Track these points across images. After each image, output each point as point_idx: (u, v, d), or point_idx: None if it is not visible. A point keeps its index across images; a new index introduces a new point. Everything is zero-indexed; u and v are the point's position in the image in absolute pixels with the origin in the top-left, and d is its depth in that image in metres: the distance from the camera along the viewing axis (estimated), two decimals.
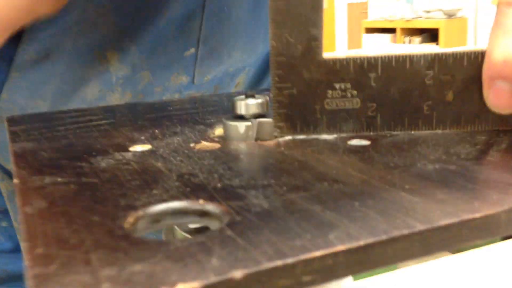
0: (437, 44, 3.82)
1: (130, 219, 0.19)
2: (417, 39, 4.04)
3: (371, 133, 0.29)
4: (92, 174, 0.24)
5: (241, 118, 0.31)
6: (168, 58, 0.49)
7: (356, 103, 0.29)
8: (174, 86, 0.50)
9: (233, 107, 0.31)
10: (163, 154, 0.27)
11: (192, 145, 0.29)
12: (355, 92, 0.29)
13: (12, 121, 0.37)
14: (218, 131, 0.33)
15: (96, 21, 0.45)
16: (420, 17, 3.98)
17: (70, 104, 0.46)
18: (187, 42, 0.49)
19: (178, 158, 0.26)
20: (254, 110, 0.31)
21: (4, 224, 0.58)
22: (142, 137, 0.31)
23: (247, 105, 0.31)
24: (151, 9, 0.46)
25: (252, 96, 0.31)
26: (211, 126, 0.34)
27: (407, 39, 4.07)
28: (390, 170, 0.23)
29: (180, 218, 0.20)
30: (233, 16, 0.50)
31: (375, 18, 4.30)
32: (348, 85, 0.29)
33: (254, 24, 0.52)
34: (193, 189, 0.22)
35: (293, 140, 0.29)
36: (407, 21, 4.02)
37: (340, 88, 0.29)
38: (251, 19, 0.51)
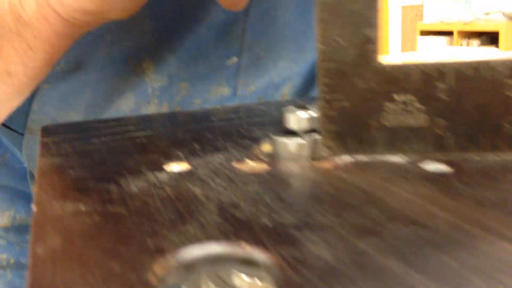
0: (496, 47, 3.64)
1: (158, 268, 0.15)
2: (475, 42, 3.87)
3: (440, 155, 0.25)
4: (119, 201, 0.21)
5: (293, 133, 0.27)
6: (208, 67, 0.45)
7: (421, 119, 0.24)
8: (214, 98, 0.47)
9: (283, 120, 0.27)
10: (202, 176, 0.24)
11: (235, 164, 0.25)
12: (420, 106, 0.24)
13: (45, 131, 0.35)
14: (266, 147, 0.29)
15: (132, 29, 0.41)
16: (479, 19, 3.81)
17: (105, 115, 0.44)
18: (229, 50, 0.45)
19: (218, 181, 0.23)
20: (307, 124, 0.27)
21: None
22: (180, 153, 0.28)
23: (299, 119, 0.27)
24: (190, 15, 0.42)
25: (304, 108, 0.27)
26: (258, 141, 0.30)
27: (464, 42, 3.90)
28: (483, 209, 0.18)
29: (218, 266, 0.16)
30: (280, 21, 0.45)
31: (431, 20, 4.15)
32: (412, 98, 0.24)
33: (303, 28, 0.47)
34: (235, 227, 0.18)
35: (354, 162, 0.25)
36: (465, 23, 3.85)
37: (402, 101, 0.24)
38: (299, 23, 0.46)
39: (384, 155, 0.25)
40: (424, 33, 4.07)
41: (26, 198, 0.55)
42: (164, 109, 0.44)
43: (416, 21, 4.24)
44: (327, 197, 0.20)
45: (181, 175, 0.24)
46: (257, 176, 0.23)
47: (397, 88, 0.24)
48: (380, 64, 0.24)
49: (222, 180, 0.23)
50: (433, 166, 0.23)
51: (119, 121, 0.38)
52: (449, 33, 3.91)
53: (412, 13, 4.39)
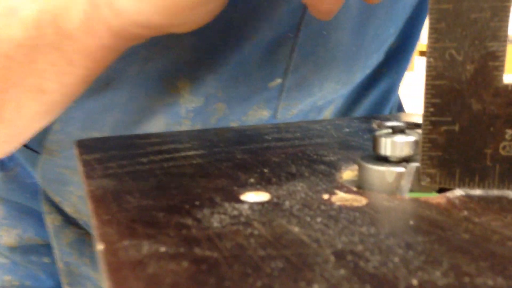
0: None
1: None
2: None
3: None
4: (206, 241, 0.17)
5: (384, 160, 0.23)
6: (249, 89, 0.40)
7: None
8: (252, 121, 0.42)
9: (374, 144, 0.23)
10: (292, 210, 0.20)
11: (325, 196, 0.21)
12: None
13: (82, 146, 0.30)
14: (347, 174, 0.25)
15: (169, 45, 0.37)
16: None
17: None
18: (274, 71, 0.40)
19: (318, 219, 0.19)
20: (406, 151, 0.23)
21: (46, 260, 0.51)
22: (252, 180, 0.24)
23: (395, 143, 0.23)
24: (236, 32, 0.38)
25: (402, 132, 0.23)
26: (334, 166, 0.26)
27: None
28: None
29: None
30: (332, 40, 0.41)
31: None
32: None
33: (356, 48, 0.43)
34: (374, 286, 0.14)
35: (469, 197, 0.21)
36: None
37: None
38: (352, 43, 0.42)
39: (499, 189, 0.21)
40: (422, 53, 4.07)
41: (36, 216, 0.51)
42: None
43: None
44: (467, 245, 0.16)
45: (264, 207, 0.20)
46: (360, 211, 0.19)
47: None
48: (503, 84, 0.20)
49: (319, 216, 0.19)
50: None
51: (163, 137, 0.34)
52: None
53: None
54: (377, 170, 0.23)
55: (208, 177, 0.24)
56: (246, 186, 0.23)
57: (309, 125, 0.38)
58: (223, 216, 0.19)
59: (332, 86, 0.44)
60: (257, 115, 0.42)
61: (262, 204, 0.20)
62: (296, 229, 0.18)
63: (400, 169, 0.22)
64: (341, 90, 0.46)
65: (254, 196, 0.21)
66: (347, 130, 0.37)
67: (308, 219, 0.19)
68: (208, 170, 0.25)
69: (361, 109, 0.50)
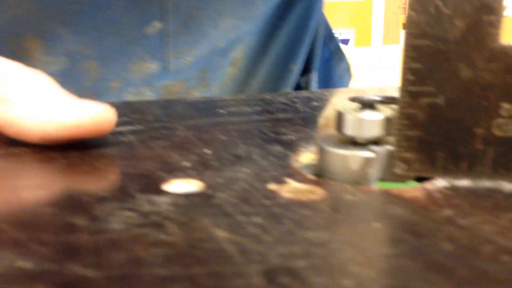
0: None
1: None
2: None
3: None
4: (90, 253, 0.12)
5: (349, 142, 0.19)
6: (120, 39, 0.34)
7: None
8: (139, 77, 0.36)
9: (337, 122, 0.19)
10: (224, 206, 0.15)
11: (273, 187, 0.17)
12: None
13: None
14: (307, 157, 0.21)
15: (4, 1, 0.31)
16: None
17: None
18: (147, 13, 0.34)
19: (255, 219, 0.14)
20: (375, 131, 0.18)
21: None
22: (186, 163, 0.19)
23: (362, 121, 0.18)
24: None
25: (372, 107, 0.19)
26: (292, 147, 0.22)
27: None
28: None
29: None
30: None
31: None
32: None
33: None
34: None
35: (453, 190, 0.16)
36: None
37: None
38: None
39: (491, 179, 0.17)
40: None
41: None
42: None
43: (399, 13, 4.17)
44: (450, 261, 0.12)
45: (190, 201, 0.15)
46: (311, 208, 0.15)
47: None
48: (500, 45, 0.16)
49: (257, 214, 0.14)
50: None
51: None
52: None
53: (395, 5, 4.32)
54: (339, 154, 0.18)
55: (132, 159, 0.20)
56: (177, 172, 0.18)
57: (274, 98, 0.34)
58: (129, 214, 0.14)
59: (230, 22, 0.38)
60: (143, 69, 0.36)
61: (188, 196, 0.16)
62: (221, 233, 0.13)
63: (367, 153, 0.18)
64: (244, 26, 0.39)
65: (182, 185, 0.17)
66: (316, 104, 0.32)
67: (242, 218, 0.14)
68: (135, 151, 0.21)
69: (279, 43, 0.43)
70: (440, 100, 0.17)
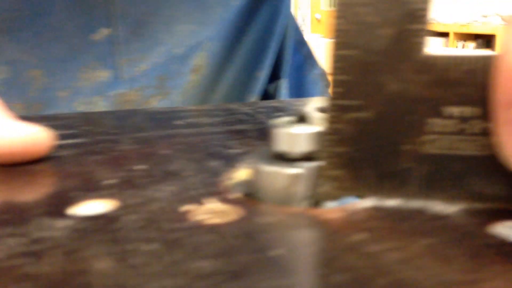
0: (492, 50, 3.56)
1: None
2: (471, 44, 3.80)
3: None
4: None
5: (282, 158, 0.18)
6: (65, 46, 0.33)
7: (484, 146, 0.15)
8: (89, 87, 0.35)
9: (270, 138, 0.18)
10: (125, 231, 0.14)
11: (188, 207, 0.16)
12: (484, 126, 0.15)
13: None
14: (243, 173, 0.20)
15: None
16: (476, 22, 3.73)
17: None
18: (93, 19, 0.32)
19: (149, 246, 0.13)
20: (306, 146, 0.17)
21: None
22: (111, 180, 0.18)
23: (292, 136, 0.17)
24: None
25: (304, 120, 0.18)
26: (234, 161, 0.21)
27: (460, 44, 3.83)
28: None
29: None
30: None
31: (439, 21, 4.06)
32: (473, 111, 0.15)
33: None
34: None
35: (377, 211, 0.15)
36: (462, 25, 3.77)
37: (455, 116, 0.15)
38: None
39: (423, 200, 0.16)
40: None
41: None
42: (18, 109, 0.31)
43: None
44: None
45: (91, 225, 0.14)
46: (215, 233, 0.14)
47: (451, 96, 0.15)
48: (426, 55, 0.15)
49: (154, 241, 0.13)
50: None
51: (51, 119, 0.28)
52: (444, 34, 3.83)
53: None
54: (266, 171, 0.17)
55: (55, 176, 0.19)
56: (95, 191, 0.17)
57: (239, 108, 0.33)
58: (13, 241, 0.13)
59: (185, 28, 0.36)
60: (93, 78, 0.35)
61: (92, 219, 0.15)
62: (104, 264, 0.12)
63: (295, 170, 0.17)
64: (202, 31, 0.37)
65: (92, 207, 0.16)
66: (280, 114, 0.31)
67: (135, 246, 0.13)
68: (64, 167, 0.20)
69: (244, 49, 0.41)
70: (367, 115, 0.16)
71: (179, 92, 0.38)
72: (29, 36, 0.32)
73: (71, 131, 0.26)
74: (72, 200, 0.16)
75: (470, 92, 0.15)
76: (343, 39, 0.15)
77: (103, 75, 0.34)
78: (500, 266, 0.12)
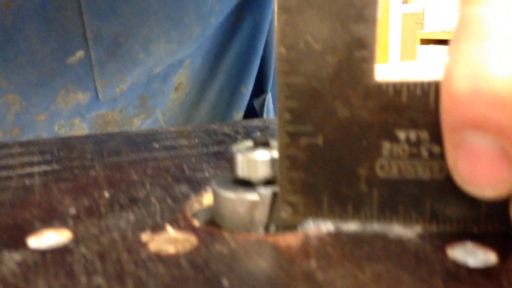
0: None
1: None
2: None
3: (473, 228, 0.15)
4: None
5: (246, 183, 0.18)
6: (41, 71, 0.32)
7: (439, 170, 0.15)
8: (68, 109, 0.34)
9: (230, 163, 0.18)
10: (77, 264, 0.14)
11: (145, 237, 0.16)
12: (437, 149, 0.15)
13: None
14: (209, 198, 0.20)
15: None
16: None
17: None
18: (67, 42, 0.32)
19: (96, 280, 0.13)
20: (266, 172, 0.17)
21: None
22: (73, 210, 0.18)
23: (255, 163, 0.17)
24: None
25: (266, 145, 0.18)
26: (202, 186, 0.21)
27: None
28: None
29: None
30: None
31: (431, 29, 4.05)
32: (425, 135, 0.15)
33: None
34: None
35: (335, 236, 0.15)
36: None
37: (409, 140, 0.15)
38: None
39: (379, 221, 0.15)
40: (424, 41, 4.01)
41: None
42: None
43: (416, 29, 4.13)
44: None
45: (43, 258, 0.14)
46: (170, 263, 0.14)
47: (402, 121, 0.15)
48: (375, 82, 0.15)
49: (105, 274, 0.13)
50: (471, 254, 0.14)
51: (28, 145, 0.28)
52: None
53: (413, 21, 4.29)
54: (226, 197, 0.17)
55: (17, 206, 0.19)
56: (55, 221, 0.17)
57: (220, 128, 0.33)
58: None
59: (163, 47, 0.36)
60: (72, 100, 0.34)
61: (46, 252, 0.15)
62: None
63: (254, 196, 0.17)
64: (181, 50, 0.37)
65: (49, 238, 0.16)
66: (259, 134, 0.31)
67: (82, 279, 0.13)
68: (28, 196, 0.20)
69: (227, 65, 0.41)
70: (319, 140, 0.15)
71: (162, 111, 0.38)
72: (3, 62, 0.32)
73: (45, 157, 0.26)
74: (30, 231, 0.16)
75: (421, 116, 0.14)
76: (288, 67, 0.15)
77: (82, 97, 0.34)
78: None
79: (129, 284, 0.13)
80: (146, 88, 0.37)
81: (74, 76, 0.34)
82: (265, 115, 0.43)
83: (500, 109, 0.12)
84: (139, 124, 0.38)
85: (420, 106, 0.14)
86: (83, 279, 0.13)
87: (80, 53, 0.33)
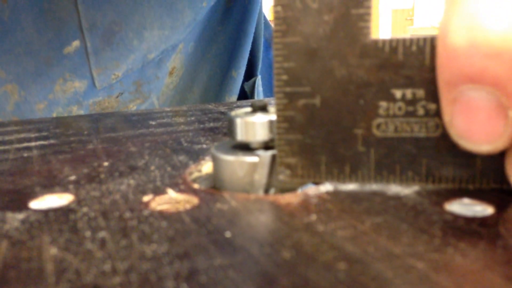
0: None
1: None
2: None
3: (468, 186, 0.15)
4: None
5: (246, 148, 0.18)
6: (38, 61, 0.33)
7: (434, 127, 0.15)
8: (66, 97, 0.35)
9: (229, 128, 0.18)
10: (80, 222, 0.14)
11: (147, 198, 0.16)
12: (433, 107, 0.15)
13: None
14: (208, 166, 0.20)
15: None
16: None
17: None
18: (63, 32, 0.33)
19: (99, 234, 0.13)
20: (265, 135, 0.17)
21: None
22: (73, 177, 0.18)
23: (254, 125, 0.17)
24: None
25: (264, 109, 0.18)
26: (200, 155, 0.21)
27: None
28: None
29: None
30: None
31: (421, 25, 4.07)
32: (421, 93, 0.15)
33: None
34: None
35: (333, 195, 0.15)
36: None
37: (405, 98, 0.15)
38: None
39: (376, 181, 0.16)
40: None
41: None
42: None
43: (406, 25, 4.15)
44: (278, 271, 0.11)
45: (46, 217, 0.14)
46: (172, 220, 0.14)
47: (398, 79, 0.15)
48: (372, 40, 0.15)
49: (108, 229, 0.13)
50: (468, 208, 0.14)
51: (25, 124, 0.28)
52: None
53: (403, 17, 4.31)
54: (225, 160, 0.17)
55: (17, 174, 0.19)
56: (55, 187, 0.17)
57: (215, 108, 0.33)
58: None
59: (156, 34, 0.36)
60: (69, 89, 0.35)
61: (48, 212, 0.15)
62: (52, 252, 0.12)
63: (252, 158, 0.17)
64: (174, 36, 0.37)
65: (51, 201, 0.16)
66: None
67: (86, 234, 0.13)
68: (30, 165, 0.20)
69: (219, 49, 0.41)
70: (317, 101, 0.16)
71: (157, 95, 0.38)
72: (1, 53, 0.32)
73: (42, 134, 0.26)
74: (32, 196, 0.16)
75: (416, 74, 0.15)
76: (285, 26, 0.15)
77: (79, 85, 0.35)
78: (451, 239, 0.12)
79: (133, 237, 0.13)
80: (141, 74, 0.37)
81: (71, 65, 0.34)
82: (256, 97, 0.43)
83: (496, 61, 0.12)
84: (134, 109, 0.38)
85: (416, 63, 0.15)
86: (87, 234, 0.13)
87: (76, 43, 0.33)
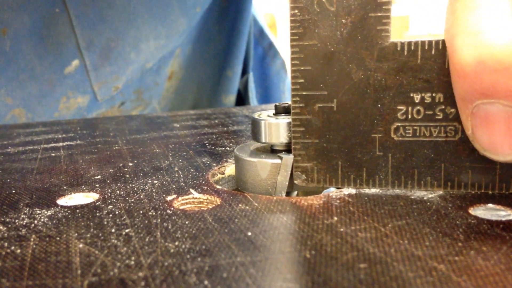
0: None
1: None
2: None
3: (487, 191, 0.15)
4: None
5: (268, 150, 0.18)
6: (41, 84, 0.34)
7: (453, 131, 0.15)
8: (70, 113, 0.36)
9: (252, 130, 0.18)
10: (106, 218, 0.14)
11: (170, 198, 0.16)
12: (452, 111, 0.15)
13: None
14: (231, 169, 0.20)
15: None
16: None
17: None
18: (62, 55, 0.33)
19: (125, 230, 0.13)
20: (289, 136, 0.17)
21: None
22: (100, 176, 0.19)
23: (277, 127, 0.17)
24: None
25: (287, 111, 0.18)
26: (223, 158, 0.21)
27: None
28: None
29: None
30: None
31: (417, 32, 4.02)
32: (440, 96, 0.15)
33: None
34: None
35: (356, 198, 0.15)
36: None
37: (424, 102, 0.15)
38: None
39: (393, 187, 0.16)
40: None
41: None
42: None
43: (402, 32, 4.09)
44: (296, 272, 0.11)
45: (74, 214, 0.15)
46: (194, 218, 0.14)
47: (418, 82, 0.15)
48: (391, 43, 0.15)
49: (133, 226, 0.14)
50: (493, 213, 0.14)
51: (53, 125, 0.29)
52: None
53: (398, 24, 4.25)
54: (248, 162, 0.17)
55: (45, 172, 0.19)
56: (82, 186, 0.18)
57: (239, 111, 0.33)
58: (5, 227, 0.14)
59: (152, 44, 0.37)
60: (73, 105, 0.36)
61: (76, 209, 0.15)
62: (79, 246, 0.12)
63: (275, 160, 0.17)
64: (170, 43, 0.38)
65: (77, 199, 0.16)
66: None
67: (112, 230, 0.13)
68: (58, 164, 0.20)
69: (214, 49, 0.42)
70: (333, 104, 0.16)
71: (158, 100, 0.39)
72: (6, 81, 0.33)
73: (69, 135, 0.26)
74: (59, 193, 0.17)
75: (435, 77, 0.15)
76: (302, 29, 0.15)
77: (82, 100, 0.36)
78: (474, 242, 0.12)
79: (157, 234, 0.13)
80: (140, 83, 0.38)
81: (72, 83, 0.35)
82: (249, 94, 0.43)
83: (504, 74, 0.12)
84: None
85: (435, 67, 0.14)
86: (113, 230, 0.13)
87: (75, 62, 0.34)
